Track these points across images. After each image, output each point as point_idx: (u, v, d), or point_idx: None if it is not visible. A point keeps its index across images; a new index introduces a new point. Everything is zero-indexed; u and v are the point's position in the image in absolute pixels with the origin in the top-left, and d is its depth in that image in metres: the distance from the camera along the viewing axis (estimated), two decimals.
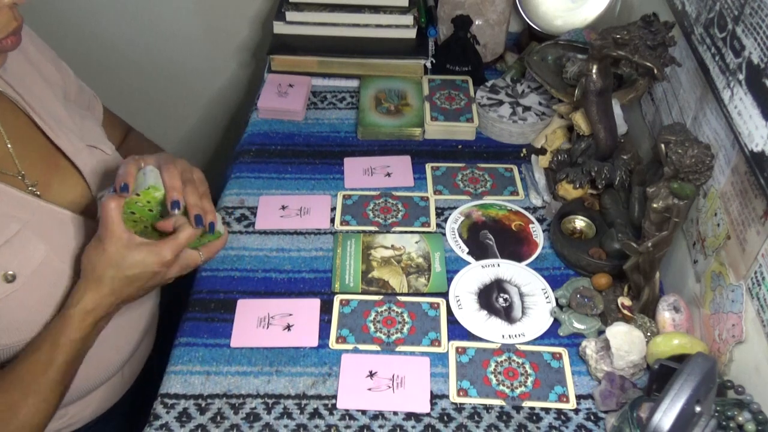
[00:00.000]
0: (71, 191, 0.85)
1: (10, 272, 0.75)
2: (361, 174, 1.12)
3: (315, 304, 0.92)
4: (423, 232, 1.02)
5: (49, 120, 0.84)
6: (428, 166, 1.14)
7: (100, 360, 0.87)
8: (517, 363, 0.85)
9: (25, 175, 0.81)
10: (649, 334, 0.85)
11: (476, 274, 0.97)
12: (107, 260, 0.75)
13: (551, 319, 0.91)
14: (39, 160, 0.83)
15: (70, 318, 0.76)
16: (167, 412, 0.80)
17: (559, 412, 0.81)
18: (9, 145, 0.80)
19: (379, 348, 0.87)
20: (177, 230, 0.77)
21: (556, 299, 0.92)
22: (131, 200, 0.76)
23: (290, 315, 0.90)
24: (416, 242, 1.01)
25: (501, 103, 1.20)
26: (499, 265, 0.98)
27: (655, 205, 0.81)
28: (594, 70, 0.94)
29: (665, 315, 0.86)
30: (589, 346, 0.85)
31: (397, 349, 0.87)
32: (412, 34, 1.31)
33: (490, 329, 0.89)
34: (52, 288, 0.79)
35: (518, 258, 0.99)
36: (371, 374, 0.84)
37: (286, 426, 0.79)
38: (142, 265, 0.76)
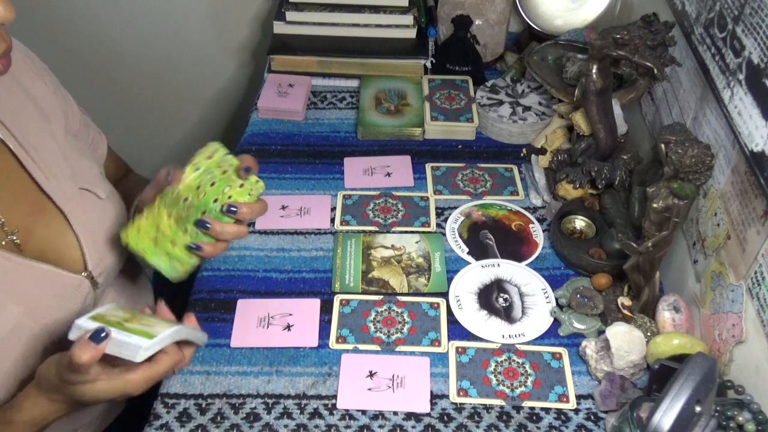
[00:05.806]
0: (55, 239, 0.78)
1: None
2: (361, 174, 1.12)
3: (315, 304, 0.92)
4: (423, 232, 1.02)
5: (38, 159, 0.78)
6: (428, 166, 1.14)
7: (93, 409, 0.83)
8: (517, 363, 0.85)
9: (5, 222, 0.75)
10: (649, 334, 0.85)
11: (476, 274, 0.97)
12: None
13: (551, 319, 0.91)
14: (22, 203, 0.77)
15: (15, 426, 0.70)
16: (167, 412, 0.80)
17: (559, 412, 0.81)
18: None
19: (379, 348, 0.87)
20: (155, 360, 0.69)
21: (556, 299, 0.92)
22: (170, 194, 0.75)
23: (290, 315, 0.90)
24: (416, 242, 1.01)
25: (501, 103, 1.20)
26: (499, 265, 0.98)
27: (655, 205, 0.81)
28: (594, 70, 0.94)
29: (665, 315, 0.86)
30: (589, 346, 0.85)
31: (397, 349, 0.87)
32: (412, 34, 1.31)
33: (490, 329, 0.89)
34: (24, 352, 0.74)
35: (518, 258, 0.99)
36: (371, 374, 0.84)
37: (286, 426, 0.79)
38: (104, 394, 0.68)
